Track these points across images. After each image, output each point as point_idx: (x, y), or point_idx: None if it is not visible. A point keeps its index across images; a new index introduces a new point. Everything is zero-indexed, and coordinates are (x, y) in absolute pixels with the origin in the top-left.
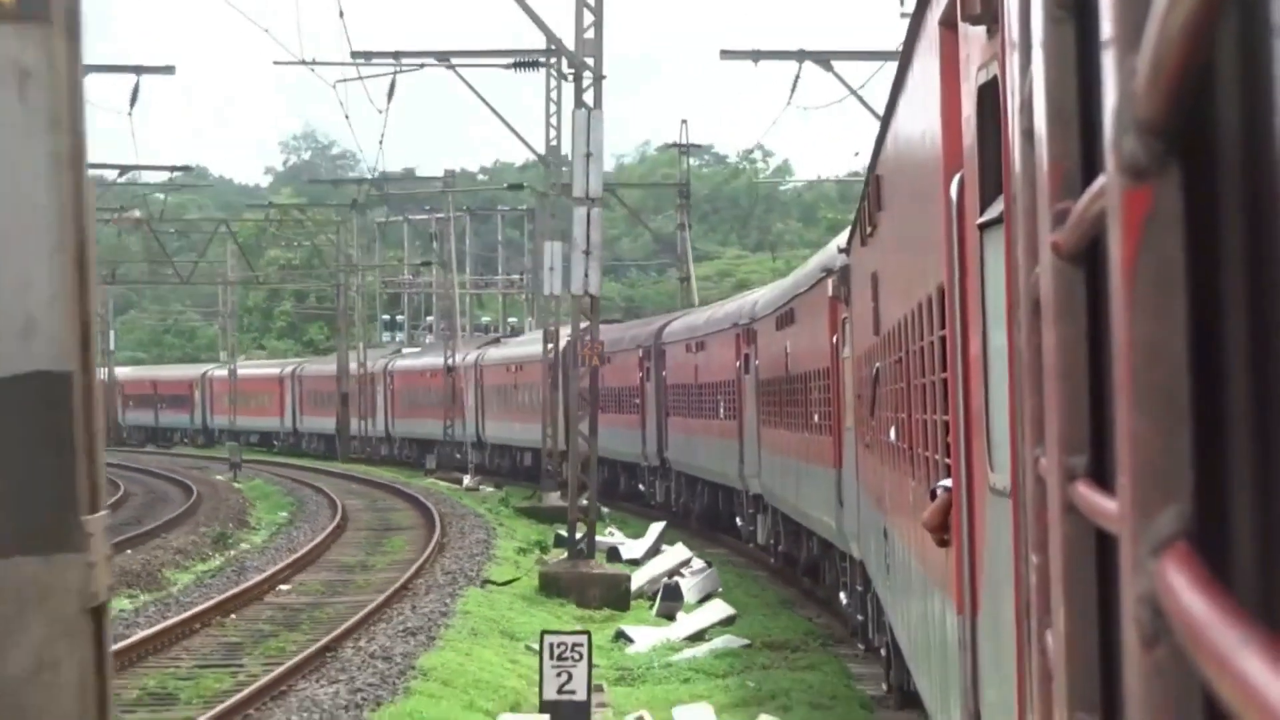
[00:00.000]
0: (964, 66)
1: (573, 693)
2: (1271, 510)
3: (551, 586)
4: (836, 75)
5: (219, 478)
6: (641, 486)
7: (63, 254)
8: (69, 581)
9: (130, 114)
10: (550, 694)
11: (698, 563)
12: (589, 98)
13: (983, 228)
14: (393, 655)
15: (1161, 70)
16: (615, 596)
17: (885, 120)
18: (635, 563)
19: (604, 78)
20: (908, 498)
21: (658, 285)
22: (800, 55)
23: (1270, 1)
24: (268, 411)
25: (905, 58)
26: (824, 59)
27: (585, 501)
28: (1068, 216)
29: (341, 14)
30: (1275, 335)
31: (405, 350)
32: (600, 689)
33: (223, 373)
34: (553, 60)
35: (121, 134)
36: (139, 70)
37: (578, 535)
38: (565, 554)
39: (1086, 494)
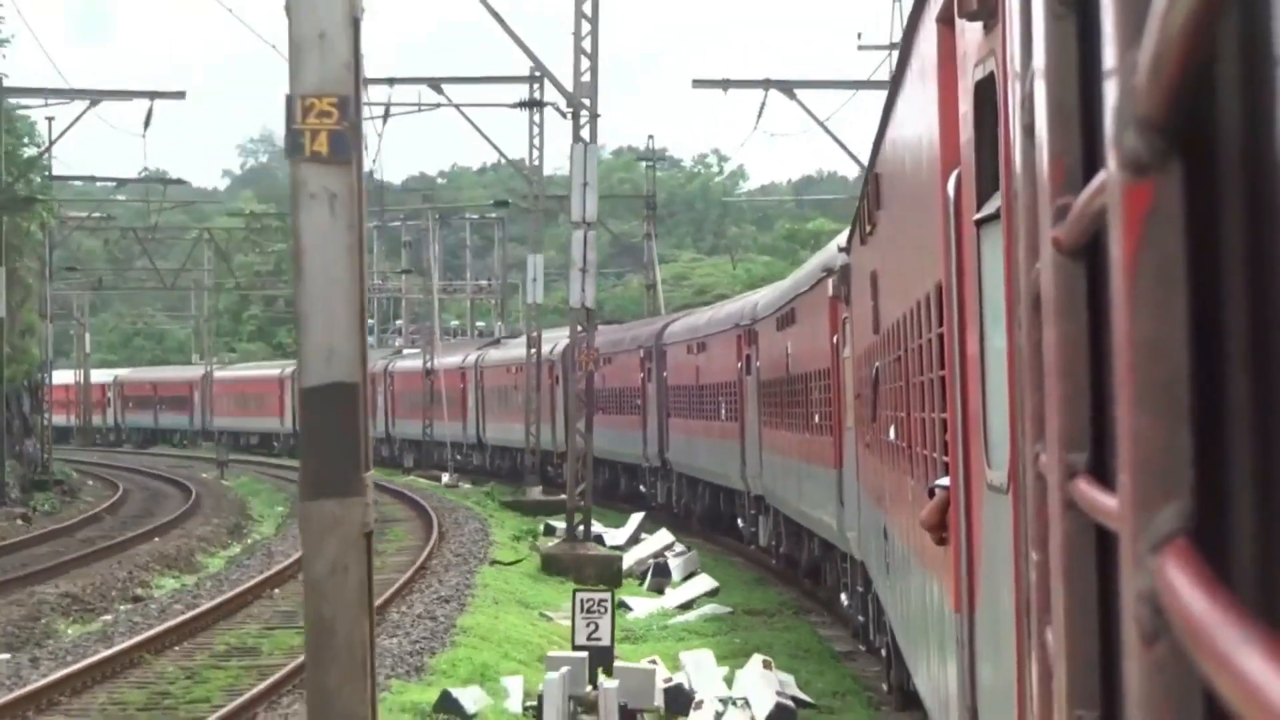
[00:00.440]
0: (961, 63)
1: (599, 639)
2: (1271, 507)
3: (552, 566)
4: (800, 103)
5: (205, 475)
6: (642, 488)
7: (351, 308)
8: (353, 515)
9: (144, 135)
10: (580, 640)
11: (679, 546)
12: (585, 133)
13: (980, 223)
14: (436, 616)
15: (1162, 66)
16: (609, 574)
17: (883, 118)
18: (618, 548)
19: (599, 116)
20: (907, 496)
21: (616, 289)
22: (766, 84)
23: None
24: (267, 413)
25: (903, 55)
26: (788, 88)
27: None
28: (1068, 212)
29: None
30: (1276, 331)
31: (406, 351)
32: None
33: (223, 374)
34: (539, 94)
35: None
36: (152, 95)
37: (575, 521)
38: (554, 540)
39: (1087, 491)
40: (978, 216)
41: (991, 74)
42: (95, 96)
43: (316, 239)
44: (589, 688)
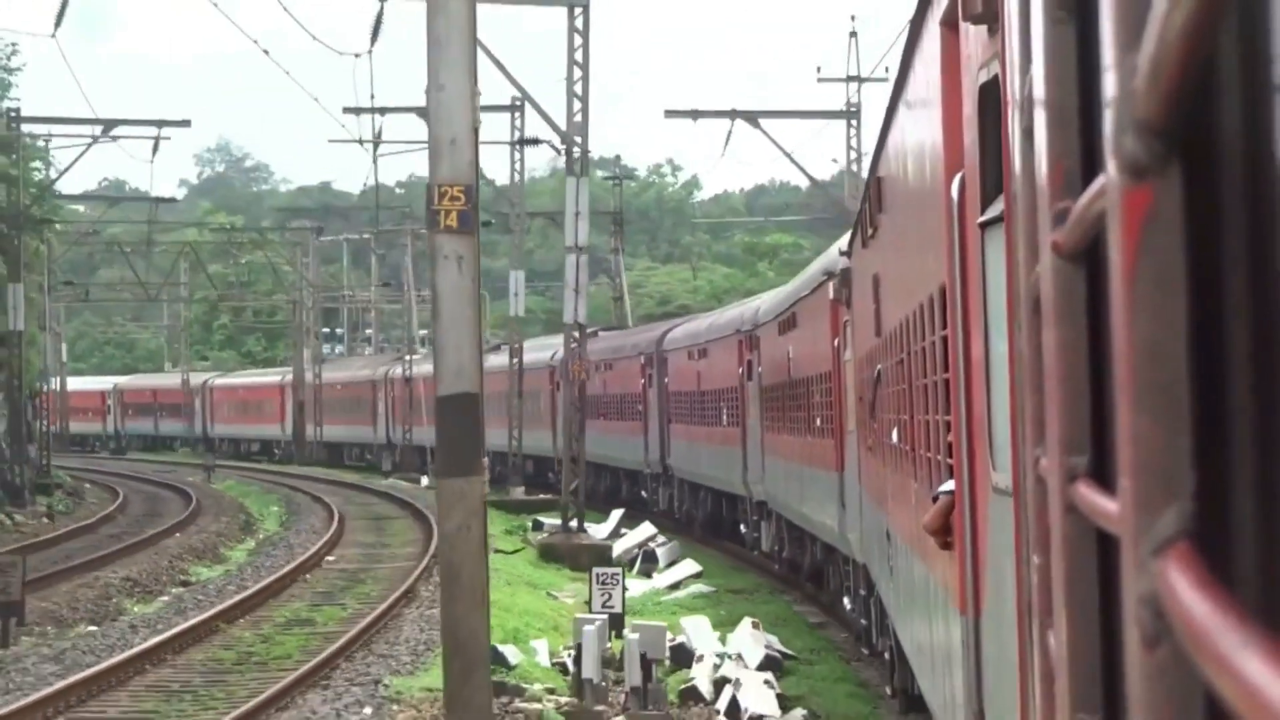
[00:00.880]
0: (965, 66)
1: (612, 606)
2: (1273, 510)
3: (550, 554)
4: (764, 132)
5: (192, 479)
6: (644, 494)
7: (473, 339)
8: (475, 489)
9: (151, 161)
10: (597, 607)
11: (660, 537)
12: (577, 168)
13: (984, 226)
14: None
15: (1162, 70)
16: (601, 561)
17: (886, 122)
18: (604, 540)
19: (589, 153)
20: (910, 499)
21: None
22: (733, 114)
23: (1270, 1)
24: (268, 420)
25: (906, 58)
26: (753, 117)
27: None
28: (1068, 216)
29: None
30: (1276, 334)
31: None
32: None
33: (223, 381)
34: (521, 123)
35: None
36: (160, 124)
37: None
38: (542, 534)
39: (1087, 494)
40: (982, 219)
41: (995, 77)
42: (107, 125)
43: (448, 289)
44: (608, 644)
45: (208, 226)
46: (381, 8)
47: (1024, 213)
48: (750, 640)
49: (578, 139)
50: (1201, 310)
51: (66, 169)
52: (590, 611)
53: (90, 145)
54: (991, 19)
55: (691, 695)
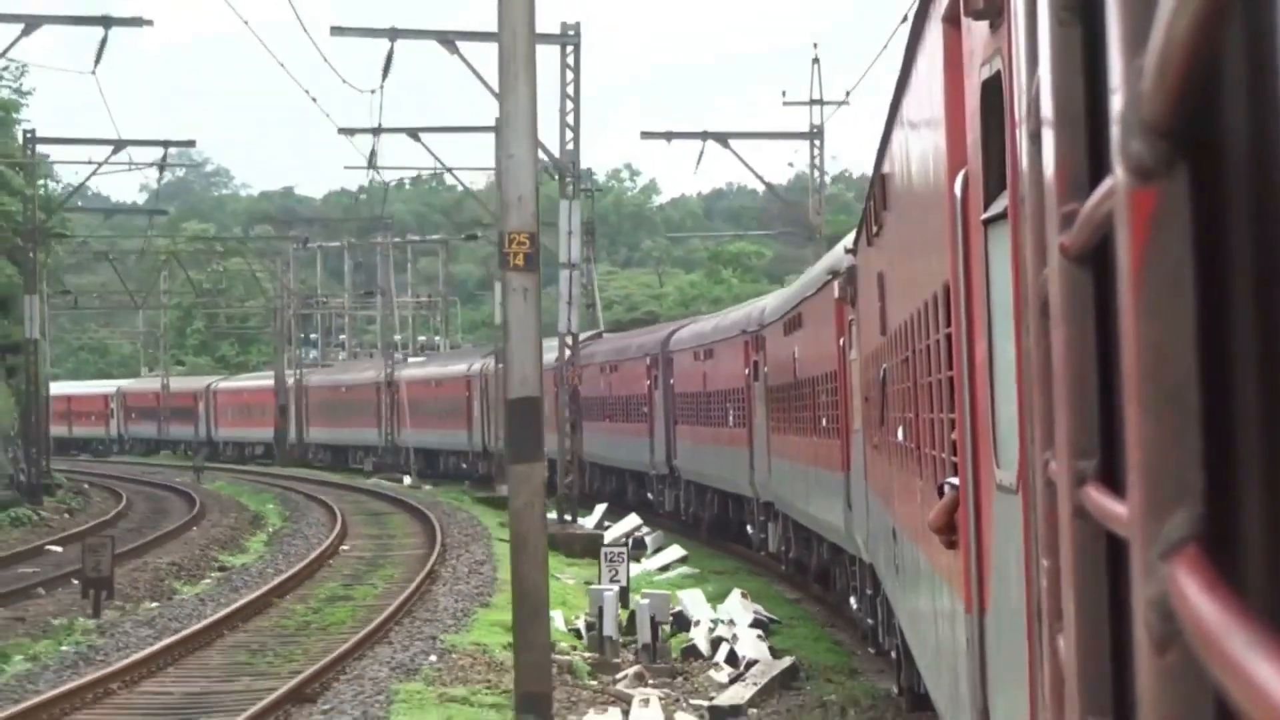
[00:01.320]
0: (967, 62)
1: (619, 581)
2: None
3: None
4: (734, 152)
5: (179, 479)
6: (650, 495)
7: (535, 353)
8: (538, 472)
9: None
10: (606, 581)
11: (645, 528)
12: (570, 191)
13: (987, 223)
14: (481, 573)
15: (1168, 71)
16: (594, 548)
17: (889, 119)
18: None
19: (580, 179)
20: (916, 498)
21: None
22: (704, 135)
23: (1276, 2)
24: (271, 423)
25: (909, 55)
26: (723, 138)
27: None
28: (1075, 218)
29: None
30: None
31: (411, 360)
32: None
33: (227, 385)
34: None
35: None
36: (166, 144)
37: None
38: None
39: (1097, 497)
40: (985, 216)
41: (998, 73)
42: (117, 145)
43: (516, 315)
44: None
45: (181, 234)
46: (391, 46)
47: (1031, 215)
48: (740, 607)
49: (570, 164)
50: (1209, 312)
51: (78, 187)
52: (599, 584)
53: (100, 165)
54: (993, 15)
55: (691, 653)
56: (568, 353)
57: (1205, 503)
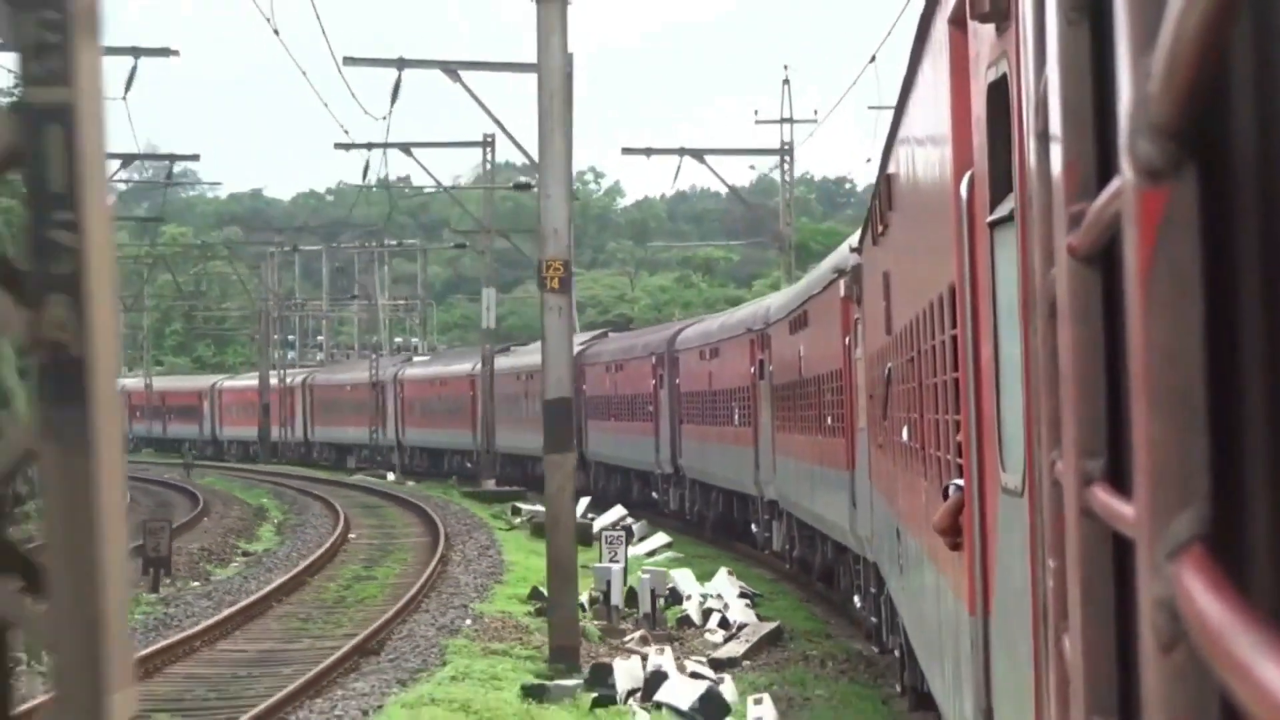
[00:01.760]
0: (973, 64)
1: (618, 560)
2: None
3: (540, 531)
4: (709, 167)
5: (169, 475)
6: (655, 494)
7: (568, 360)
8: (569, 461)
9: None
10: (605, 561)
11: (629, 518)
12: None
13: (993, 225)
14: (490, 556)
15: (1176, 72)
16: (584, 537)
17: (895, 119)
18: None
19: (572, 197)
20: (921, 498)
21: (504, 305)
22: (681, 151)
23: None
24: (276, 422)
25: (914, 56)
26: (699, 154)
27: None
28: (1083, 219)
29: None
30: None
31: (415, 359)
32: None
33: (232, 384)
34: (492, 156)
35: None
36: (172, 159)
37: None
38: (522, 517)
39: (1103, 498)
40: (991, 219)
41: (1004, 76)
42: (126, 159)
43: (553, 329)
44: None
45: (159, 237)
46: (399, 75)
47: (1039, 215)
48: (727, 583)
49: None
50: (1217, 313)
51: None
52: (602, 563)
53: (111, 177)
54: (1000, 18)
55: (685, 622)
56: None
57: (1211, 503)
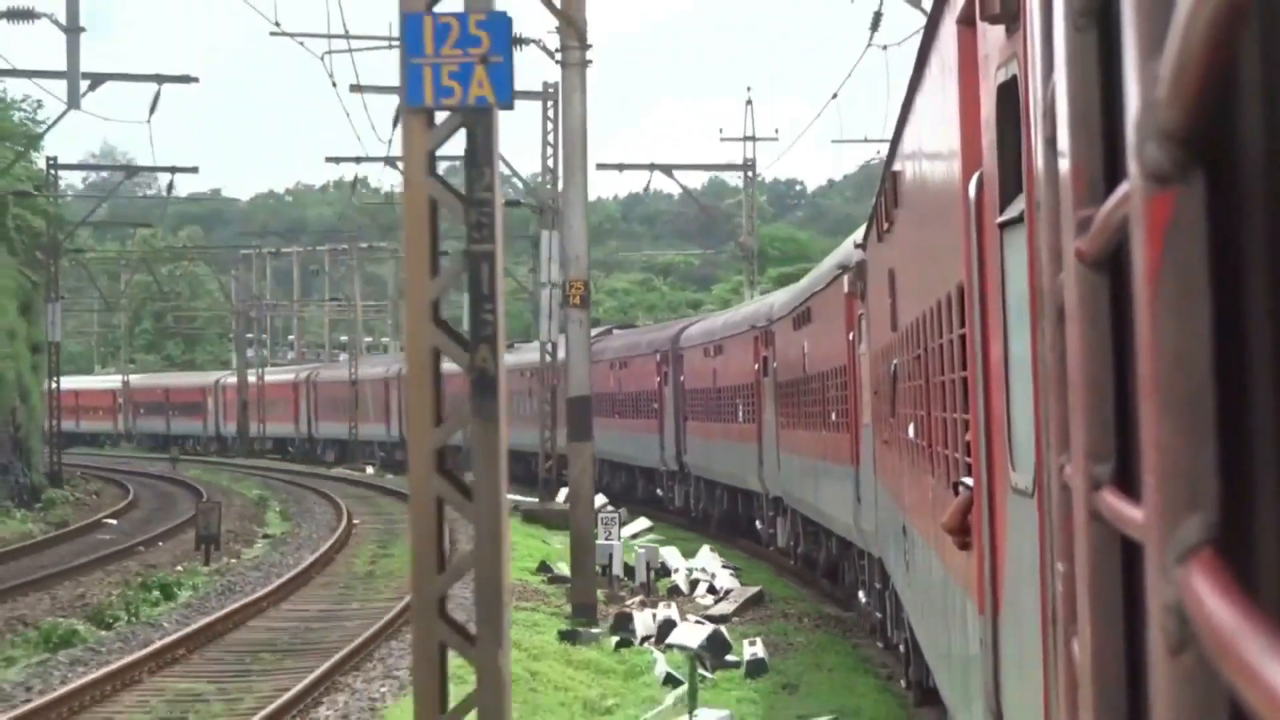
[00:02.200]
0: (983, 65)
1: (612, 539)
2: None
3: (531, 519)
4: (677, 181)
5: (153, 470)
6: (659, 491)
7: (585, 363)
8: (588, 449)
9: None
10: (602, 540)
11: (610, 506)
12: (549, 223)
13: (1003, 226)
14: None
15: (1184, 77)
16: (568, 521)
17: (902, 117)
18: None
19: (557, 212)
20: (927, 495)
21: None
22: (651, 167)
23: None
24: (281, 419)
25: (921, 54)
26: (668, 169)
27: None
28: (1091, 223)
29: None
30: None
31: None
32: None
33: (236, 380)
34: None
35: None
36: (173, 170)
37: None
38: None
39: (1112, 502)
40: (1001, 219)
41: (1014, 77)
42: (129, 170)
43: (574, 338)
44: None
45: (129, 237)
46: (401, 101)
47: (1047, 219)
48: (709, 557)
49: (549, 200)
50: (1225, 317)
51: (93, 209)
52: (602, 541)
53: (113, 190)
54: (1010, 19)
55: (674, 591)
56: (548, 358)
57: (1220, 507)
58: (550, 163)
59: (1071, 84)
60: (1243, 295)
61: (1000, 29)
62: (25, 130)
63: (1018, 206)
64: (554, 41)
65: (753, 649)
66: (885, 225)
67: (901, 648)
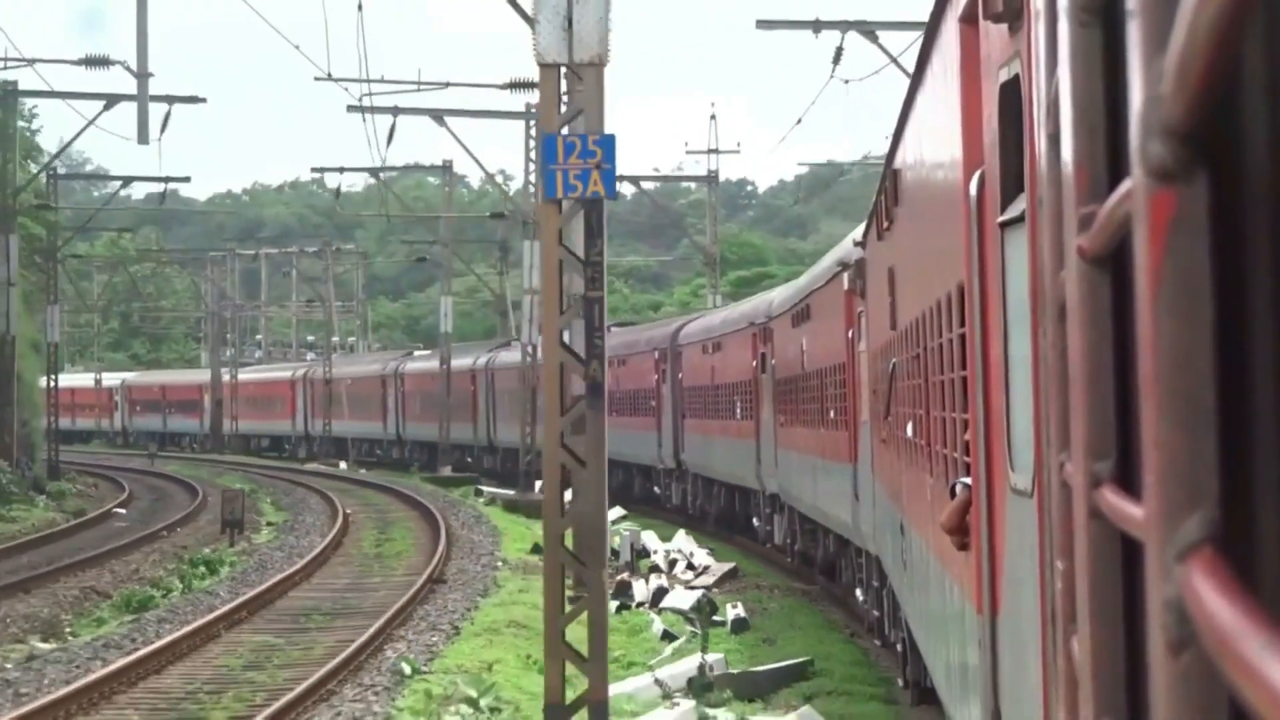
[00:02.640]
0: (985, 64)
1: None
2: None
3: (513, 508)
4: (640, 187)
5: (134, 464)
6: (657, 489)
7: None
8: (588, 443)
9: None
10: None
11: None
12: (531, 234)
13: (1004, 226)
14: (485, 524)
15: (1188, 74)
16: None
17: (903, 114)
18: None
19: (539, 224)
20: (925, 495)
21: (421, 306)
22: (620, 179)
23: None
24: (279, 416)
25: (924, 52)
26: (636, 180)
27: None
28: (1093, 220)
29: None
30: None
31: (417, 354)
32: None
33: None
34: (450, 182)
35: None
36: (166, 180)
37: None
38: (480, 499)
39: (1112, 499)
40: (1002, 219)
41: (1016, 76)
42: (125, 180)
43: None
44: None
45: (96, 239)
46: (394, 121)
47: (1049, 216)
48: (685, 539)
49: (532, 213)
50: (1227, 315)
51: (90, 217)
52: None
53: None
54: (1013, 18)
55: (654, 570)
56: (529, 359)
57: (1221, 505)
58: (533, 178)
59: (1075, 80)
60: (1244, 293)
61: (1003, 28)
62: (28, 142)
63: (1019, 206)
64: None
65: (735, 610)
66: (885, 224)
67: (899, 647)
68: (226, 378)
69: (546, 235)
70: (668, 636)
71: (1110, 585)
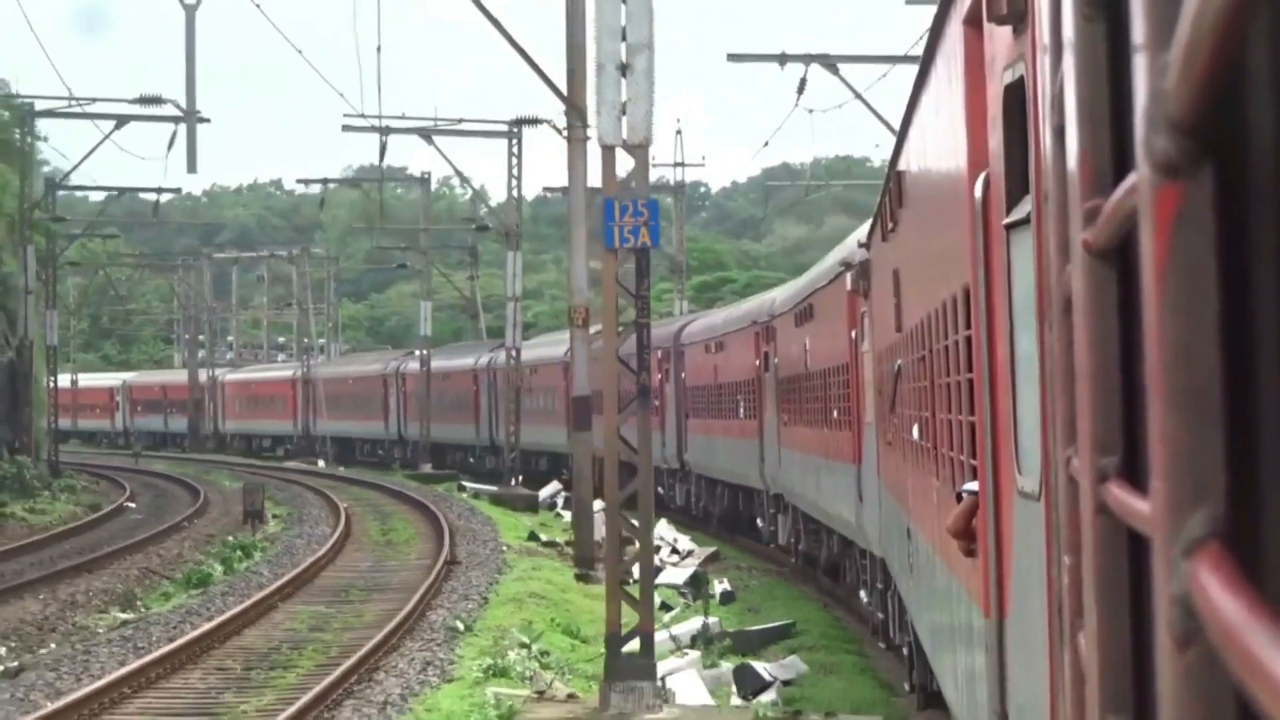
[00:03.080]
0: (989, 66)
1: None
2: None
3: (498, 501)
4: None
5: (118, 462)
6: (660, 490)
7: (586, 370)
8: (589, 438)
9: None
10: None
11: (565, 491)
12: (513, 245)
13: (1009, 228)
14: (478, 516)
15: (1193, 67)
16: (531, 505)
17: (906, 116)
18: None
19: (521, 236)
20: (931, 497)
21: (384, 306)
22: (591, 191)
23: None
24: (278, 416)
25: (927, 54)
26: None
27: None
28: (1099, 214)
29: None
30: None
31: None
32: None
33: (233, 377)
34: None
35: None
36: (159, 191)
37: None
38: (464, 493)
39: (1119, 495)
40: (1007, 221)
41: (1021, 78)
42: (123, 190)
43: (577, 350)
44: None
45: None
46: (384, 139)
47: (1055, 211)
48: (667, 528)
49: (514, 223)
50: (1233, 309)
51: (90, 224)
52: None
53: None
54: (1017, 20)
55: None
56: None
57: (1227, 500)
58: (514, 191)
59: (1080, 74)
60: (1250, 287)
61: (1007, 30)
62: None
63: (1024, 208)
64: (560, 119)
65: (723, 584)
66: (890, 225)
67: (905, 651)
68: (229, 378)
69: (605, 275)
70: (665, 608)
71: (1117, 580)
